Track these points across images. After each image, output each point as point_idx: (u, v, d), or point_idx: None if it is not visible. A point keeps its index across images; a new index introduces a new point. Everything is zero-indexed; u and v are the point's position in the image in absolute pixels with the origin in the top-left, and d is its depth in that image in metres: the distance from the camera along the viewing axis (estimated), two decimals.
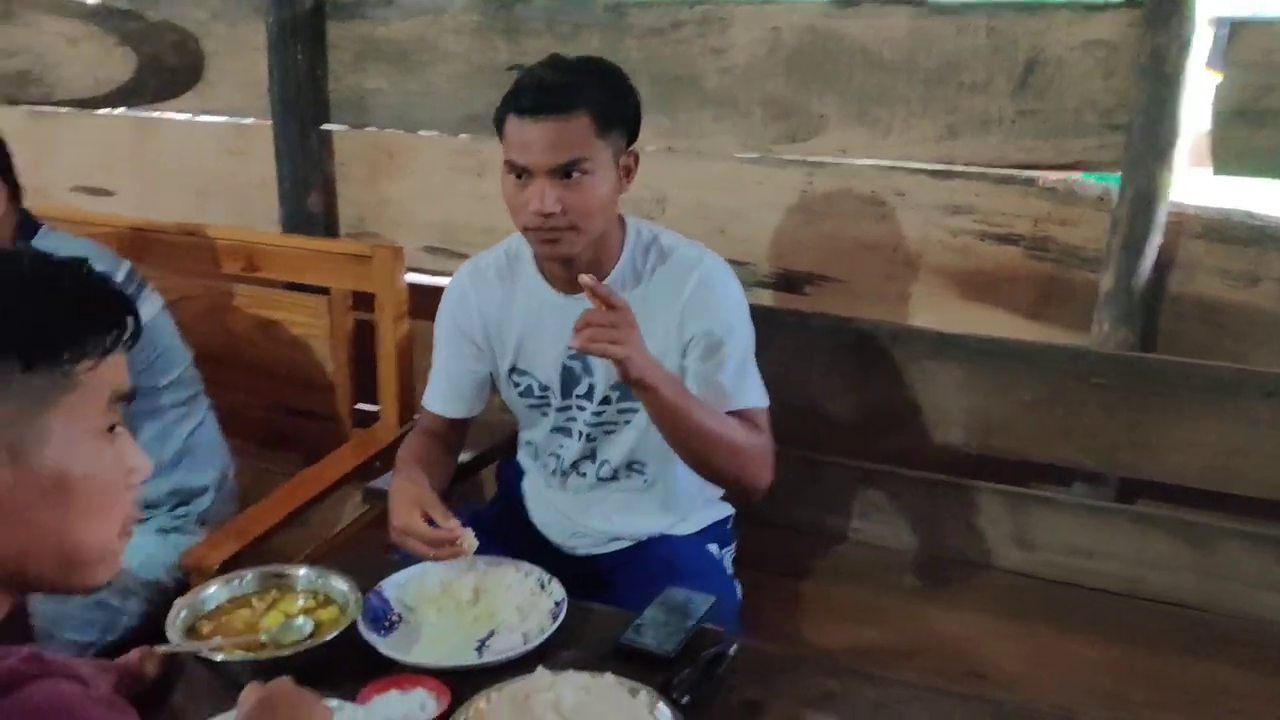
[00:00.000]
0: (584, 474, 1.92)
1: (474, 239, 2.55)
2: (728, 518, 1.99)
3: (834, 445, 2.21)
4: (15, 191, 2.08)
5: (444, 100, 2.54)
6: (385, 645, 1.50)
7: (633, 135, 1.73)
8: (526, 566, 1.66)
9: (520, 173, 1.65)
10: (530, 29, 2.42)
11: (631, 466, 1.90)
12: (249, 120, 2.74)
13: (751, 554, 2.03)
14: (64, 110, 2.96)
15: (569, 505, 1.95)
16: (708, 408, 1.73)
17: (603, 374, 1.82)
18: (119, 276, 2.05)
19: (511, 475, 2.06)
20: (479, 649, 1.51)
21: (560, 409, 1.87)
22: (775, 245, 2.34)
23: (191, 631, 1.48)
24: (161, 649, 1.41)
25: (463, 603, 1.61)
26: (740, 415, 1.77)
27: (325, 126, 2.67)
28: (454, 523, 1.61)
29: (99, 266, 1.80)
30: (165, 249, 2.64)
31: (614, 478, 1.91)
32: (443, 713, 1.38)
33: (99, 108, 2.91)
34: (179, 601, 1.51)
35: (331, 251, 2.49)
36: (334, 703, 1.35)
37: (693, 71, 2.30)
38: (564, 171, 1.64)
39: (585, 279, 1.56)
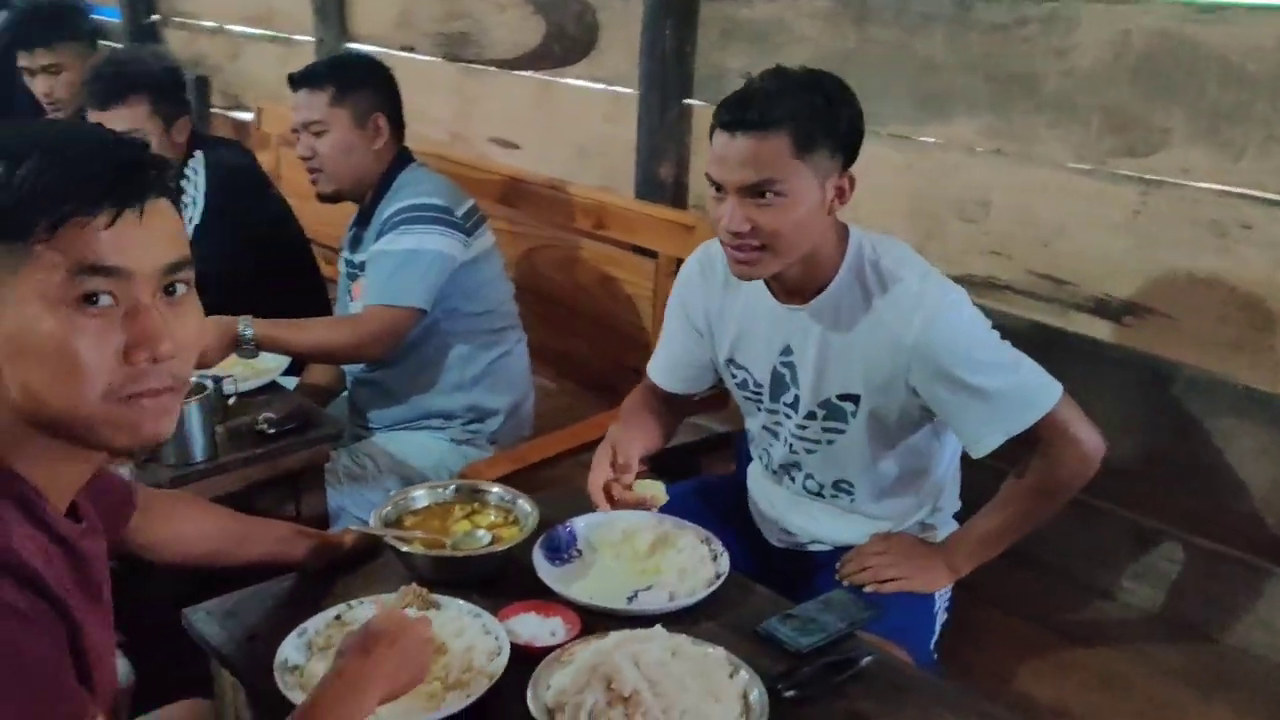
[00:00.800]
0: (793, 479, 1.91)
1: None
2: None
3: (1110, 492, 2.01)
4: (399, 129, 2.42)
5: None
6: (549, 572, 1.61)
7: (849, 156, 1.65)
8: (708, 535, 1.70)
9: (717, 186, 1.64)
10: (879, 18, 2.39)
11: (839, 485, 1.87)
12: (627, 90, 2.95)
13: (990, 588, 1.91)
14: (490, 69, 3.35)
15: (779, 499, 1.96)
16: (1011, 502, 1.73)
17: (808, 388, 1.80)
18: (459, 211, 2.32)
19: (744, 453, 2.09)
20: (630, 598, 1.59)
21: (769, 410, 1.88)
22: (1099, 267, 2.15)
23: (397, 524, 1.69)
24: (359, 528, 1.64)
25: (639, 553, 1.69)
26: (1041, 427, 1.67)
27: (687, 101, 2.81)
28: (628, 478, 1.69)
29: (440, 201, 2.09)
30: (534, 200, 2.94)
31: (820, 494, 1.89)
32: (569, 637, 1.48)
33: (514, 69, 3.27)
34: (393, 496, 1.74)
35: (662, 218, 2.64)
36: (472, 609, 1.50)
37: (1032, 71, 2.16)
38: (756, 191, 1.60)
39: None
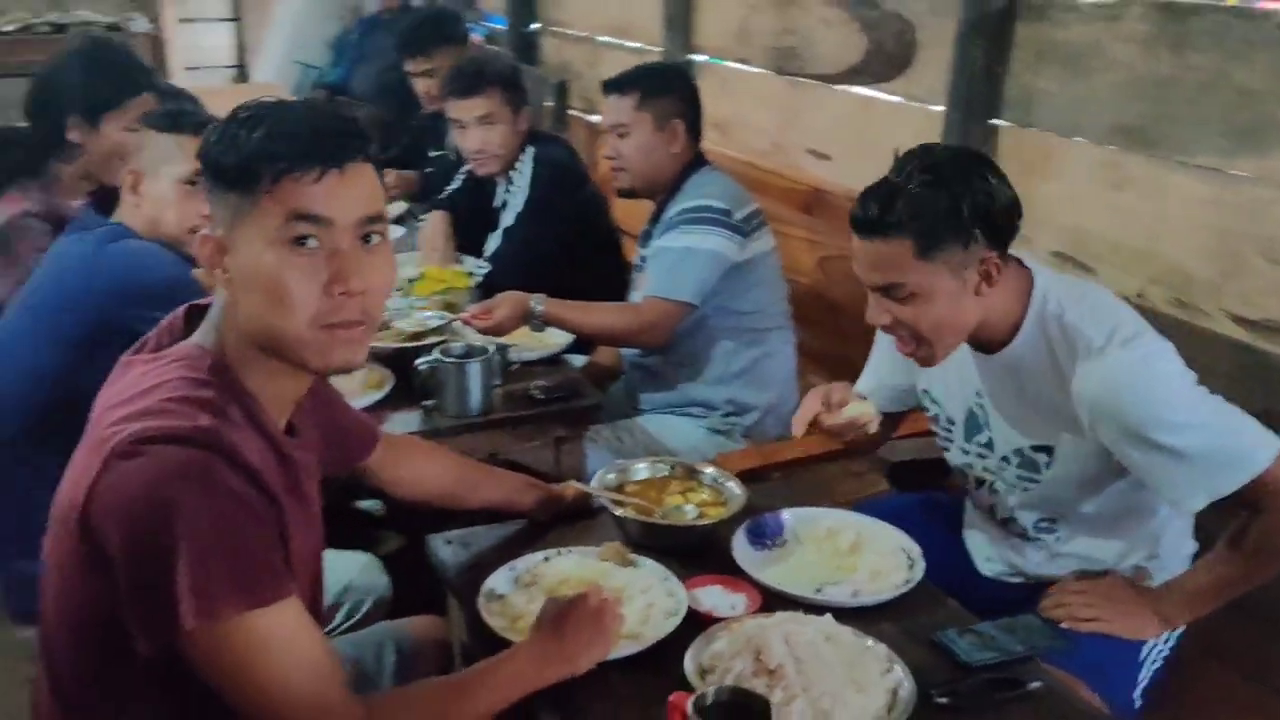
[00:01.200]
0: (994, 515, 1.89)
1: (1101, 252, 2.50)
2: None
3: None
4: (696, 134, 2.59)
5: (1100, 107, 2.49)
6: (746, 553, 1.71)
7: (991, 237, 1.61)
8: (908, 544, 1.73)
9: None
10: (1197, 44, 2.26)
11: (1040, 526, 1.83)
12: (937, 108, 2.95)
13: (1208, 638, 1.80)
14: (813, 83, 3.45)
15: (987, 529, 1.94)
16: (1227, 562, 1.66)
17: (1001, 436, 1.79)
18: (739, 214, 2.44)
19: None
20: (817, 590, 1.65)
21: (962, 449, 1.87)
22: None
23: (618, 489, 1.84)
24: (579, 485, 1.81)
25: (838, 550, 1.75)
26: (1254, 489, 1.60)
27: (993, 121, 2.78)
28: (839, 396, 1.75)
29: (721, 204, 2.25)
30: (834, 210, 3.02)
31: (1025, 535, 1.85)
32: (747, 609, 1.57)
33: (836, 84, 3.34)
34: (616, 463, 1.89)
35: None
36: (664, 573, 1.62)
37: None
38: (887, 292, 1.63)
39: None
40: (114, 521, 1.15)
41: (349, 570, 2.02)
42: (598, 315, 2.44)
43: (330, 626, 1.93)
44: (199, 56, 8.85)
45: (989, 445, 1.83)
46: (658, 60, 3.90)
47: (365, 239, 1.28)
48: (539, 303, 2.36)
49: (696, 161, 2.58)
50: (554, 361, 2.50)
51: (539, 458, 2.28)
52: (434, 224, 3.14)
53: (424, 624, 1.85)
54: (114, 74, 2.56)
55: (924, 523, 1.94)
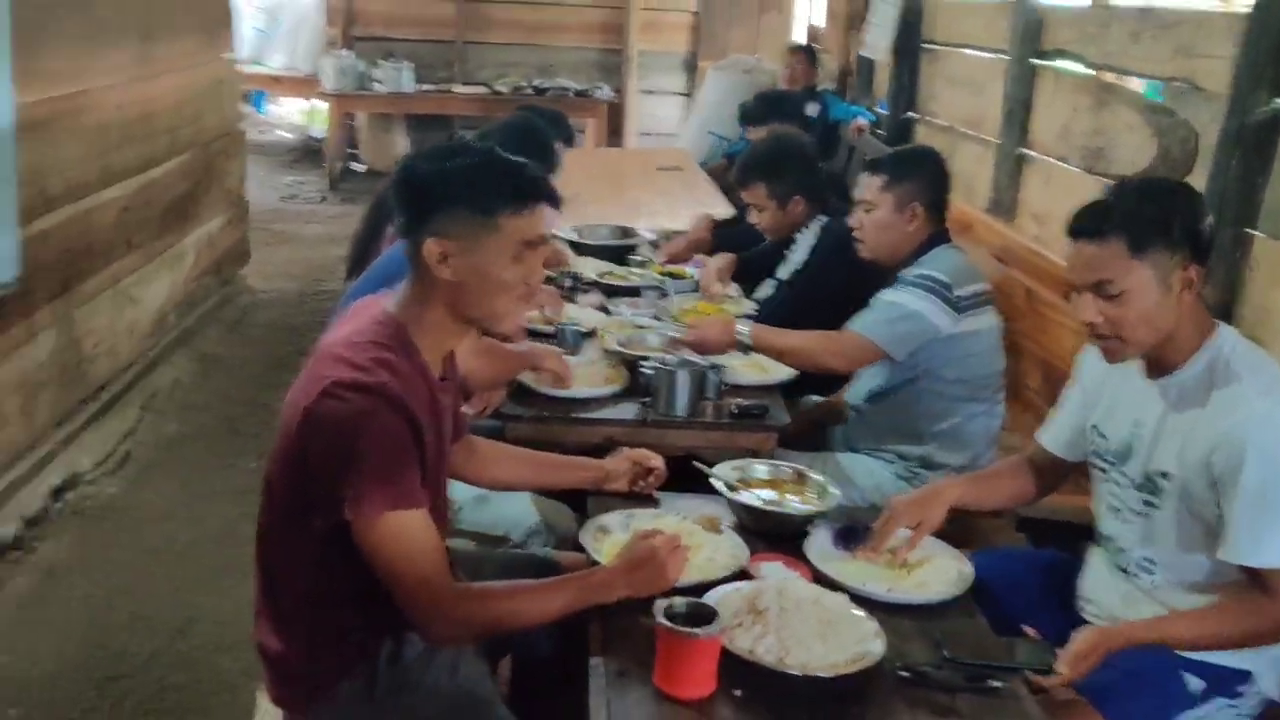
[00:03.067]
0: (1107, 548, 2.03)
1: None
2: (1241, 673, 1.86)
3: None
4: (938, 214, 2.88)
5: None
6: (819, 546, 2.03)
7: (1195, 252, 1.82)
8: (967, 570, 1.97)
9: (1075, 286, 1.91)
10: None
11: (1142, 563, 1.95)
12: None
13: None
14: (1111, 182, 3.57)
15: (1094, 568, 2.07)
16: (1187, 617, 1.84)
17: (1141, 459, 1.94)
18: (960, 291, 2.70)
19: None
20: (863, 583, 1.93)
21: (1113, 480, 2.02)
22: None
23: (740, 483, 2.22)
24: (700, 466, 2.21)
25: (903, 562, 2.01)
26: (1251, 573, 1.75)
27: (1248, 230, 2.81)
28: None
29: (944, 277, 2.71)
30: None
31: (1126, 569, 1.98)
32: None
33: None
34: (739, 462, 2.27)
35: None
36: (738, 543, 1.99)
37: None
38: (1099, 289, 1.84)
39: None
40: (316, 438, 1.70)
41: (521, 507, 2.54)
42: (794, 338, 2.78)
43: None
44: (651, 123, 10.08)
45: (1128, 473, 1.99)
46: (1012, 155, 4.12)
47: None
48: (743, 324, 2.76)
49: (936, 238, 2.83)
50: (768, 390, 2.88)
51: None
52: (717, 263, 3.64)
53: (570, 558, 2.28)
54: (531, 150, 3.34)
55: (1038, 576, 2.15)
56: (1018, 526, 2.51)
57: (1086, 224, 1.88)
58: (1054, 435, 2.19)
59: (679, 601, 1.64)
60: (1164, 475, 1.90)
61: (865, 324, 2.70)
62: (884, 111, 5.95)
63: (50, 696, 2.65)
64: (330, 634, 1.81)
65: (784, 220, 3.41)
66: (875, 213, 2.82)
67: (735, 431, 2.68)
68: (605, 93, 9.40)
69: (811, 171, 3.53)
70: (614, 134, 9.73)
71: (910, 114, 5.67)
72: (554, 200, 1.81)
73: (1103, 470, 2.06)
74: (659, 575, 1.80)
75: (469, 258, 1.76)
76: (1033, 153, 4.14)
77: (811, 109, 6.10)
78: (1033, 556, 2.27)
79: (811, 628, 1.69)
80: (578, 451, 2.56)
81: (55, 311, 3.61)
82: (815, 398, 3.17)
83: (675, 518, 2.09)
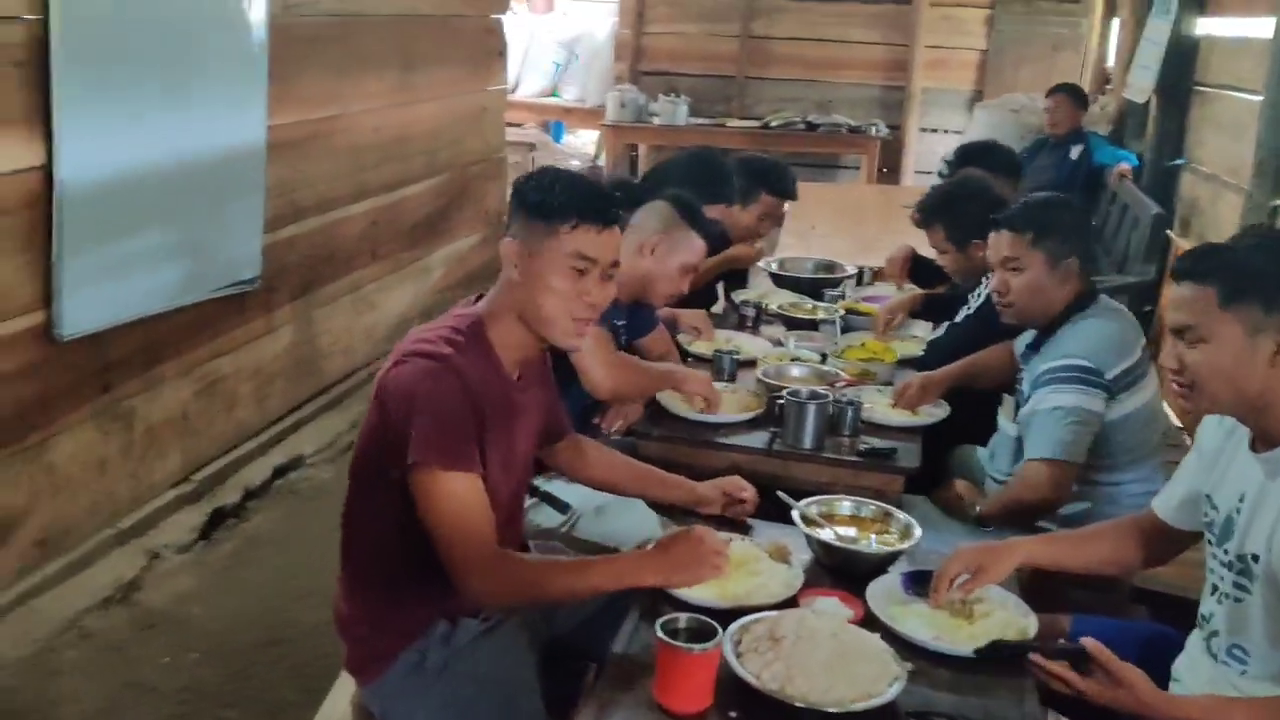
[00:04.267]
0: (1202, 629, 1.86)
1: None
2: None
3: None
4: (1089, 272, 2.69)
5: None
6: (883, 590, 1.98)
7: None
8: (1029, 628, 1.87)
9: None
10: None
11: (1234, 651, 1.78)
12: None
13: None
14: None
15: (1197, 658, 1.89)
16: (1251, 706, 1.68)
17: (1238, 537, 1.77)
18: (1113, 372, 2.53)
19: None
20: (909, 628, 1.88)
21: (1214, 555, 1.85)
22: None
23: (824, 515, 2.20)
24: (783, 496, 2.20)
25: (965, 612, 1.93)
26: None
27: None
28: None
29: (1090, 363, 2.57)
30: None
31: (1216, 655, 1.81)
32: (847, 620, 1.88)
33: None
34: (825, 498, 2.24)
35: None
36: (798, 574, 1.99)
37: None
38: (1182, 333, 1.75)
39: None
40: (390, 396, 1.89)
41: (637, 521, 2.61)
42: (1002, 499, 2.59)
43: None
44: (930, 161, 9.85)
45: (1228, 550, 1.83)
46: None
47: (608, 276, 1.95)
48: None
49: (1085, 297, 2.65)
50: (909, 432, 2.81)
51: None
52: (896, 299, 3.56)
53: None
54: (710, 181, 3.48)
55: (1134, 649, 1.99)
56: (1133, 598, 2.33)
57: (1188, 265, 1.77)
58: (1165, 501, 2.03)
59: (684, 617, 1.67)
60: (1255, 558, 1.73)
61: (1038, 447, 2.53)
62: (1130, 163, 5.59)
63: (224, 647, 2.98)
64: (392, 605, 1.97)
65: (966, 264, 3.30)
66: (1026, 275, 2.63)
67: (861, 470, 2.65)
68: (880, 129, 9.30)
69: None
70: (891, 171, 9.63)
71: (1178, 160, 5.30)
72: (614, 222, 1.93)
73: (1210, 543, 1.89)
74: (693, 563, 1.86)
75: (531, 261, 1.91)
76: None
77: (1075, 152, 5.84)
78: (1134, 628, 2.09)
79: (822, 660, 1.67)
80: (705, 476, 2.62)
81: (295, 310, 4.06)
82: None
83: (747, 543, 2.10)
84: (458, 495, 1.84)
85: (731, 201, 3.74)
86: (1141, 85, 5.33)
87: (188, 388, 3.52)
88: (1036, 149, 6.51)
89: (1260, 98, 4.03)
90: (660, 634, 1.62)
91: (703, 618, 1.67)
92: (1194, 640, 1.91)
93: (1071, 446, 2.46)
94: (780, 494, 2.24)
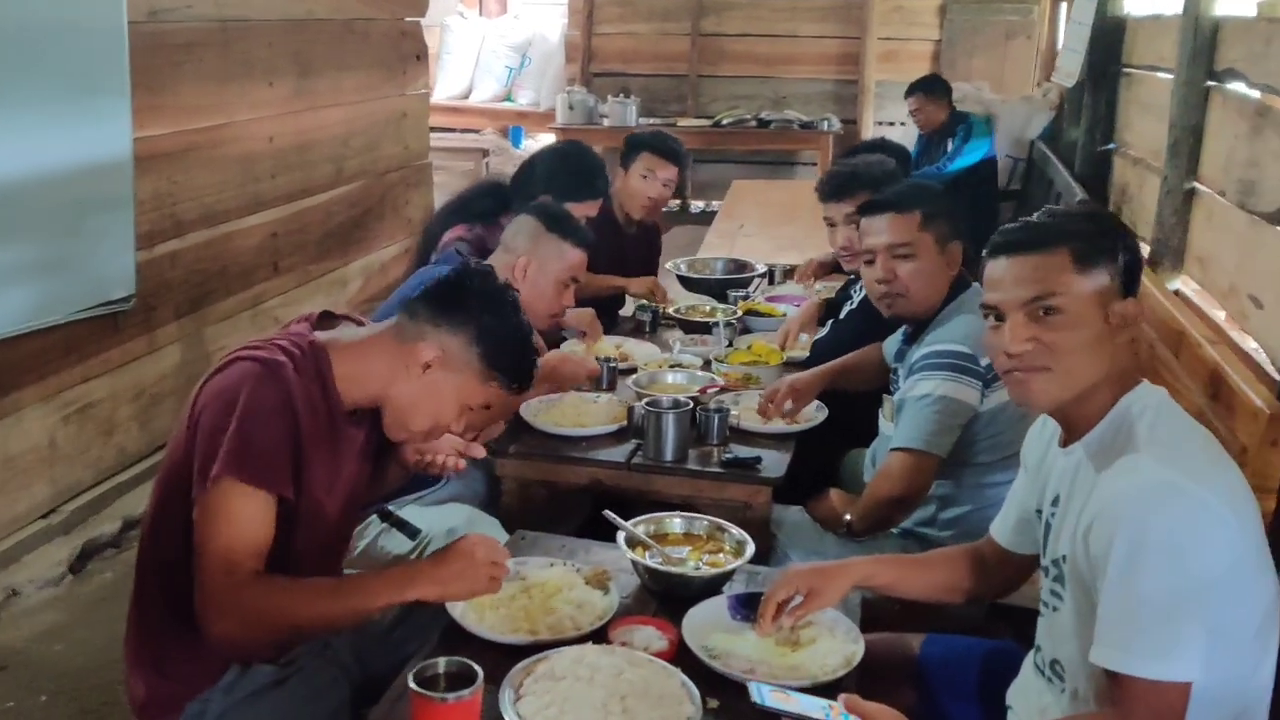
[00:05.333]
0: (1035, 648, 1.71)
1: None
2: None
3: None
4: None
5: None
6: (705, 618, 1.83)
7: (1128, 285, 1.58)
8: (854, 654, 1.73)
9: (995, 315, 1.64)
10: None
11: (1054, 666, 1.64)
12: None
13: None
14: (1256, 219, 3.07)
15: (1028, 676, 1.75)
16: None
17: (1053, 541, 1.63)
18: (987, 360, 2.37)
19: None
20: (713, 656, 1.72)
21: (1041, 564, 1.71)
22: None
23: (654, 536, 2.05)
24: (607, 513, 2.05)
25: (792, 640, 1.79)
26: (1122, 685, 1.44)
27: None
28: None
29: (966, 348, 2.42)
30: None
31: (1042, 671, 1.66)
32: (659, 652, 1.73)
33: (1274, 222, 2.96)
34: (656, 515, 2.09)
35: None
36: (615, 603, 1.84)
37: None
38: (1037, 306, 1.58)
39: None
40: (205, 399, 1.74)
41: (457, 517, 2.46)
42: (861, 504, 2.43)
43: None
44: None
45: (1045, 557, 1.70)
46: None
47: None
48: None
49: (959, 285, 2.51)
50: (785, 438, 2.66)
51: (730, 515, 2.50)
52: (803, 310, 3.40)
53: None
54: (581, 175, 3.31)
55: (978, 666, 1.87)
56: (994, 614, 2.19)
57: (1020, 236, 1.62)
58: (1001, 523, 1.88)
59: (444, 661, 1.52)
60: (1064, 559, 1.58)
61: (899, 436, 2.39)
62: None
63: (80, 686, 2.83)
64: (183, 646, 1.81)
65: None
66: (918, 260, 2.46)
67: (725, 482, 2.50)
68: (832, 124, 9.16)
69: None
70: None
71: (1109, 145, 5.15)
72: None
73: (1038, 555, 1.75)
74: (468, 572, 1.71)
75: (446, 381, 1.89)
76: (1201, 186, 3.64)
77: (949, 146, 5.78)
78: (978, 646, 1.95)
79: (599, 701, 1.53)
80: (566, 492, 2.47)
81: (183, 328, 3.90)
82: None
83: (567, 567, 1.96)
84: (238, 511, 1.70)
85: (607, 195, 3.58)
86: (1069, 69, 5.19)
87: (53, 414, 3.36)
88: (923, 147, 6.41)
89: (1167, 76, 3.89)
90: (411, 683, 1.46)
91: (464, 661, 1.52)
92: (1027, 663, 1.76)
93: (933, 437, 2.30)
94: (607, 513, 2.09)
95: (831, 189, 3.19)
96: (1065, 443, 1.64)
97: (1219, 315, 3.31)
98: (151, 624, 1.86)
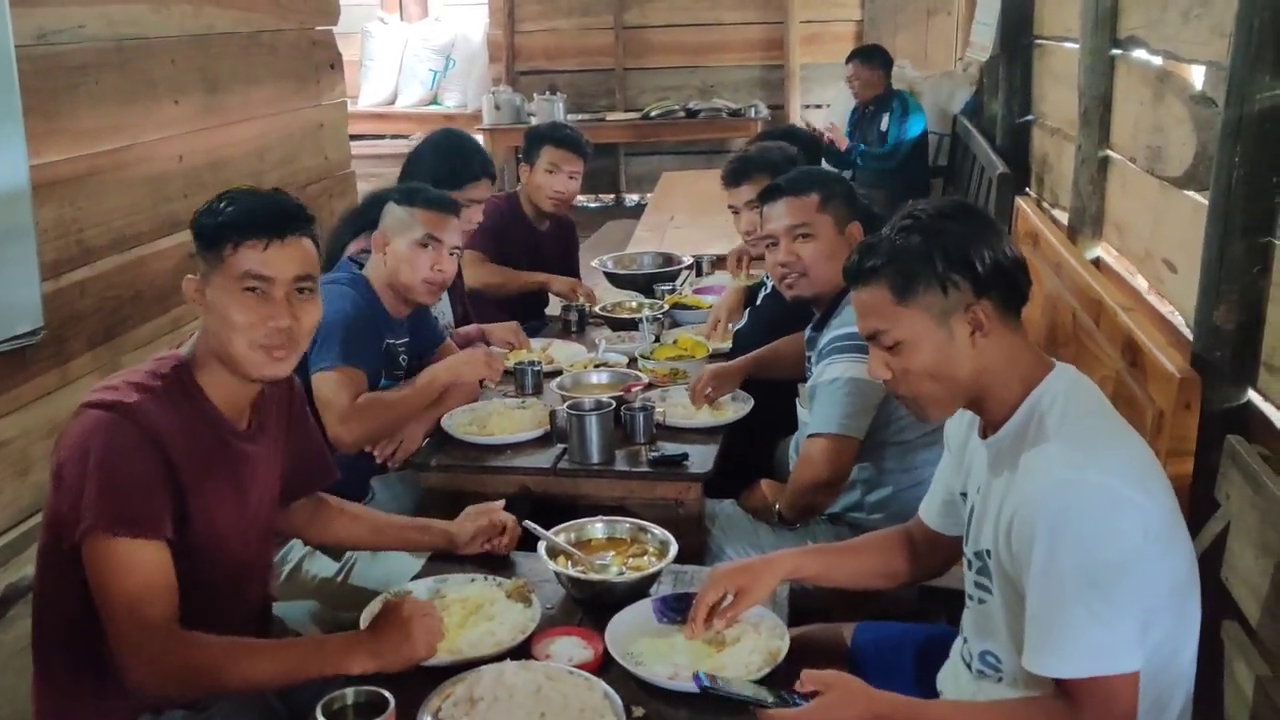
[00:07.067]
0: (960, 636, 1.70)
1: None
2: None
3: None
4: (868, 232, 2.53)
5: None
6: (631, 623, 1.81)
7: (976, 285, 1.56)
8: (779, 649, 1.71)
9: None
10: None
11: (985, 658, 1.63)
12: None
13: None
14: (1169, 186, 3.09)
15: (956, 668, 1.74)
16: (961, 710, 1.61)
17: (975, 532, 1.61)
18: None
19: None
20: (638, 664, 1.71)
21: (964, 553, 1.70)
22: None
23: (580, 545, 2.02)
24: (531, 526, 2.02)
25: (718, 640, 1.77)
26: (1070, 687, 1.45)
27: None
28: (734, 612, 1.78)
29: None
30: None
31: (970, 665, 1.66)
32: (583, 663, 1.70)
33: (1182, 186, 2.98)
34: (577, 522, 2.06)
35: None
36: (535, 615, 1.81)
37: None
38: (876, 341, 1.63)
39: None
40: (63, 455, 1.70)
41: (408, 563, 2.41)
42: (789, 490, 2.46)
43: None
44: None
45: (966, 549, 1.70)
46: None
47: (300, 290, 1.74)
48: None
49: None
50: (713, 432, 2.64)
51: (663, 514, 2.47)
52: (726, 297, 3.38)
53: None
54: (456, 159, 3.26)
55: (912, 653, 1.85)
56: (924, 597, 2.18)
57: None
58: (929, 505, 1.89)
59: (353, 691, 1.48)
60: (988, 553, 1.58)
61: (814, 423, 2.39)
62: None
63: None
64: (84, 697, 1.76)
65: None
66: (818, 241, 2.50)
67: (654, 481, 2.47)
68: (760, 111, 9.18)
69: None
70: None
71: (1027, 117, 5.19)
72: (287, 233, 1.76)
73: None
74: (405, 643, 1.66)
75: (208, 295, 1.80)
76: (1113, 153, 3.67)
77: (884, 121, 5.81)
78: (914, 632, 1.95)
79: (519, 714, 1.49)
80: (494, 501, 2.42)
81: (98, 358, 3.78)
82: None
83: (488, 582, 1.92)
84: (126, 565, 1.65)
85: (492, 176, 3.54)
86: (983, 43, 5.22)
87: None
88: (855, 120, 6.44)
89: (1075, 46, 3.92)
90: (319, 715, 1.42)
91: (374, 689, 1.48)
92: (954, 648, 1.76)
93: (847, 419, 2.31)
94: (527, 524, 2.05)
95: (731, 175, 3.19)
96: (984, 434, 1.63)
97: (1141, 282, 3.34)
98: (55, 682, 1.80)
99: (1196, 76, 3.07)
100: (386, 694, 1.46)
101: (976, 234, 1.58)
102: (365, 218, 3.23)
